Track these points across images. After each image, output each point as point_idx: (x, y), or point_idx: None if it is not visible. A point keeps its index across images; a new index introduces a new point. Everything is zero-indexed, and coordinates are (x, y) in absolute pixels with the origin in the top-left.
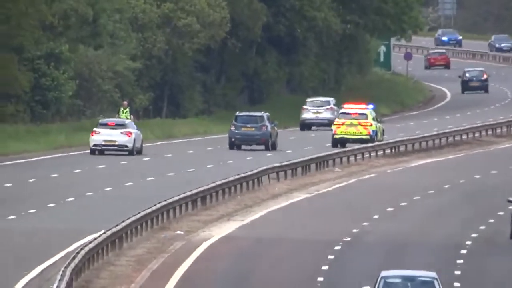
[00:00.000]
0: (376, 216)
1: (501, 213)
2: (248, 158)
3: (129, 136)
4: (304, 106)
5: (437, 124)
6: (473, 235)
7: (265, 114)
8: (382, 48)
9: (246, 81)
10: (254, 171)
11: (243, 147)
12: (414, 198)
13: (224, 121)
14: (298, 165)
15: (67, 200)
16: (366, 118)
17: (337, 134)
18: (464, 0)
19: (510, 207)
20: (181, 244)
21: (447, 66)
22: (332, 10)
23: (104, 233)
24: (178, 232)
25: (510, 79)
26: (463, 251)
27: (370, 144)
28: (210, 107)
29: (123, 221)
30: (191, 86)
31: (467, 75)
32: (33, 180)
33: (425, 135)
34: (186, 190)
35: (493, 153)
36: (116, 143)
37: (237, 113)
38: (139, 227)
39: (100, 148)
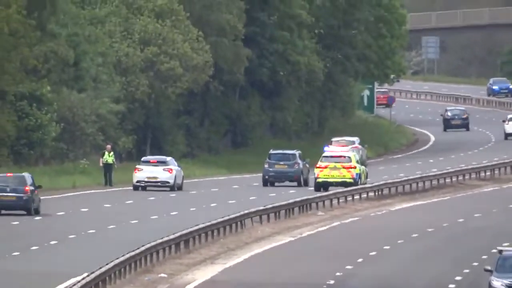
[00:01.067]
0: (359, 260)
1: (485, 256)
2: (231, 201)
3: (170, 173)
4: (330, 146)
5: (421, 168)
6: (457, 278)
7: (297, 152)
8: (366, 92)
9: (230, 125)
10: (237, 214)
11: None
12: (398, 241)
13: (207, 165)
14: (282, 208)
15: (50, 243)
16: (350, 161)
17: (320, 178)
18: (447, 45)
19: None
20: (164, 287)
21: (387, 105)
22: (315, 55)
23: (87, 275)
24: (162, 275)
25: (493, 123)
26: None
27: (353, 188)
28: (193, 150)
29: (106, 264)
30: (174, 129)
31: (449, 113)
32: (16, 222)
33: (409, 178)
34: (169, 234)
35: (477, 196)
36: (158, 179)
37: (271, 151)
38: (122, 270)
39: (143, 184)
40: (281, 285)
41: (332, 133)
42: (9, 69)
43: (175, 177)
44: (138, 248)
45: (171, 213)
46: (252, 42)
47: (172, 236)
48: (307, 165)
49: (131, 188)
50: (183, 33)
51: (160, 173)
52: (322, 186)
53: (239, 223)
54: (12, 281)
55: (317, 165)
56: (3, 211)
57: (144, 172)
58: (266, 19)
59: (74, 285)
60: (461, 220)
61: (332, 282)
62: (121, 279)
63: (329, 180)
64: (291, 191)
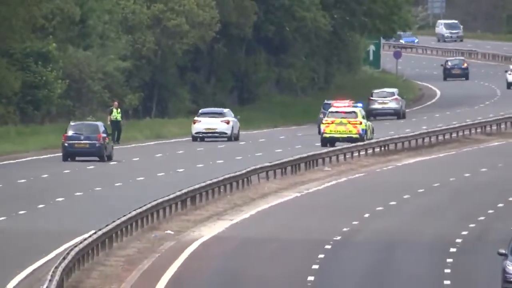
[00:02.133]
0: (366, 215)
1: (491, 211)
2: (238, 158)
3: (227, 124)
4: (371, 98)
5: (427, 123)
6: (463, 233)
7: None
8: (372, 47)
9: (236, 81)
10: (244, 171)
11: None
12: (404, 197)
13: None
14: (288, 164)
15: (57, 200)
16: (356, 116)
17: (326, 133)
18: None
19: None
20: (171, 244)
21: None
22: (321, 10)
23: (94, 233)
24: (168, 232)
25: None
26: (453, 250)
27: (359, 143)
28: (200, 107)
29: (113, 221)
30: (180, 86)
31: (449, 63)
32: (23, 180)
33: (415, 133)
34: (175, 190)
35: (483, 151)
36: (216, 130)
37: (325, 101)
38: (129, 227)
39: (201, 135)
40: (288, 241)
41: (339, 89)
42: (16, 27)
43: (232, 127)
44: (144, 205)
45: (178, 170)
46: None
47: (178, 193)
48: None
49: (142, 145)
50: None
51: (218, 124)
52: (328, 141)
53: (245, 179)
54: (22, 239)
55: (323, 121)
56: (77, 158)
57: (202, 124)
58: None
59: (81, 242)
60: (467, 175)
61: (338, 238)
62: (128, 236)
63: (335, 135)
64: (297, 146)
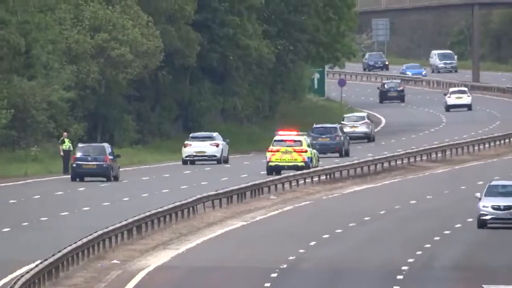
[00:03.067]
0: (312, 243)
1: (437, 238)
2: (183, 187)
3: (217, 147)
4: (342, 122)
5: (372, 150)
6: (410, 260)
7: (338, 126)
8: (316, 75)
9: (181, 110)
10: (189, 200)
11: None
12: (350, 224)
13: (159, 150)
14: (234, 193)
15: (2, 230)
16: (301, 145)
17: (272, 162)
18: (397, 27)
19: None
20: (117, 273)
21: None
22: (265, 39)
23: (40, 263)
24: (115, 261)
25: (441, 104)
26: (400, 277)
27: (305, 171)
28: (145, 136)
29: (59, 251)
30: (125, 116)
31: (386, 86)
32: None
33: (360, 161)
34: (121, 220)
35: (428, 178)
36: (206, 153)
37: (314, 126)
38: (75, 256)
39: (191, 158)
40: (234, 269)
41: (283, 117)
42: None
43: (222, 150)
44: (90, 235)
45: (123, 199)
46: (203, 27)
47: (124, 222)
48: (348, 137)
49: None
50: (133, 19)
51: (207, 148)
52: (274, 169)
53: (191, 208)
54: None
55: (269, 149)
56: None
57: (192, 147)
58: (217, 5)
59: (27, 273)
60: (413, 202)
61: (284, 266)
62: (74, 266)
63: (280, 163)
64: (242, 175)
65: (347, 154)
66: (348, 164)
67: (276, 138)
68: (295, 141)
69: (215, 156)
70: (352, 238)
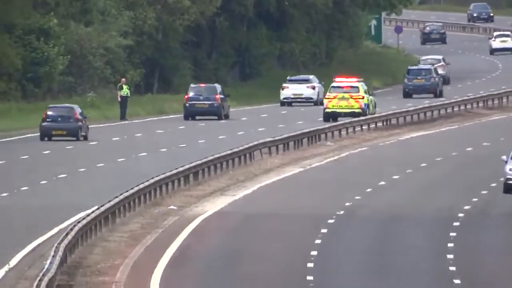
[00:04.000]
0: (368, 190)
1: (493, 184)
2: (240, 133)
3: (313, 90)
4: (419, 65)
5: (428, 97)
6: (466, 207)
7: (433, 67)
8: (373, 22)
9: (237, 57)
10: (246, 146)
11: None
12: (407, 171)
13: None
14: (290, 139)
15: (59, 176)
16: (358, 91)
17: (328, 108)
18: None
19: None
20: (174, 219)
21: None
22: None
23: (97, 209)
24: (171, 207)
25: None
26: (456, 223)
27: (361, 118)
28: (201, 83)
29: (116, 197)
30: (182, 62)
31: (428, 28)
32: (25, 157)
33: (417, 107)
34: (177, 166)
35: (485, 125)
36: (303, 95)
37: (409, 67)
38: (132, 202)
39: (289, 100)
40: (291, 216)
41: (340, 64)
42: (17, 2)
43: (318, 93)
44: (147, 181)
45: (180, 146)
46: None
47: (181, 169)
48: (441, 78)
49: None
50: None
51: (304, 90)
52: (330, 116)
53: (248, 154)
54: (25, 215)
55: (326, 95)
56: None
57: (290, 90)
58: None
59: (84, 218)
60: (469, 149)
61: (341, 212)
62: (131, 212)
63: (337, 110)
64: (299, 122)
65: (441, 94)
66: (404, 110)
67: (333, 84)
68: (352, 87)
69: (311, 98)
70: (409, 185)
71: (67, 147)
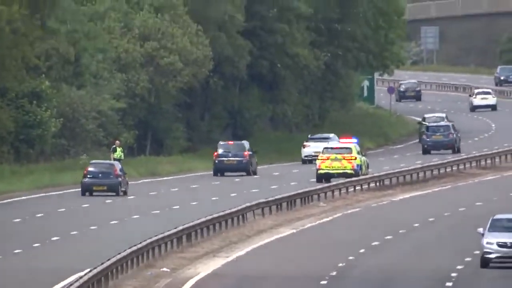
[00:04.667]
0: (362, 250)
1: None
2: (232, 194)
3: None
4: (423, 122)
5: (421, 158)
6: (459, 267)
7: (451, 124)
8: (366, 83)
9: (230, 118)
10: (239, 207)
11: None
12: (400, 231)
13: (209, 158)
14: (283, 200)
15: (52, 239)
16: (350, 152)
17: (321, 169)
18: (446, 34)
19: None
20: (167, 281)
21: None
22: (314, 48)
23: (90, 271)
24: (164, 269)
25: (494, 112)
26: (449, 284)
27: (354, 178)
28: (194, 144)
29: (108, 259)
30: (175, 124)
31: (403, 86)
32: (18, 220)
33: (410, 168)
34: (171, 228)
35: (477, 185)
36: None
37: (428, 124)
38: (124, 265)
39: (310, 158)
40: (284, 278)
41: (333, 125)
42: (10, 66)
43: None
44: (140, 243)
45: (173, 207)
46: (252, 35)
47: (174, 230)
48: (459, 134)
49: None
50: (182, 28)
51: None
52: (323, 177)
53: (240, 216)
54: (17, 278)
55: (319, 157)
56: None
57: (311, 148)
58: (265, 13)
59: (77, 281)
60: (462, 209)
61: (334, 273)
62: (123, 274)
63: (330, 171)
64: (292, 183)
65: (459, 150)
66: (397, 171)
67: (326, 145)
68: (344, 148)
69: None
70: (402, 245)
71: (60, 210)
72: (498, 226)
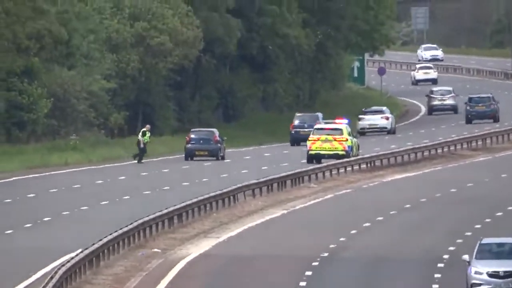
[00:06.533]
0: (353, 232)
1: (478, 226)
2: (223, 175)
3: (387, 120)
4: (431, 95)
5: (412, 139)
6: (451, 248)
7: (491, 95)
8: (356, 64)
9: (221, 99)
10: (230, 188)
11: None
12: (391, 212)
13: None
14: (274, 181)
15: (44, 220)
16: (341, 133)
17: (312, 150)
18: (436, 14)
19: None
20: (158, 262)
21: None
22: (305, 28)
23: (81, 252)
24: (155, 250)
25: (483, 92)
26: (441, 265)
27: (345, 160)
28: (185, 125)
29: (100, 240)
30: (165, 104)
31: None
32: (9, 200)
33: (401, 149)
34: (162, 208)
35: (469, 166)
36: (378, 125)
37: (470, 95)
38: (116, 245)
39: (365, 130)
40: (275, 258)
41: (323, 106)
42: (1, 47)
43: (391, 123)
44: (131, 224)
45: (164, 188)
46: (241, 16)
47: (165, 211)
48: (498, 105)
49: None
50: (173, 8)
51: (379, 120)
52: (314, 158)
53: (231, 197)
54: (8, 258)
55: (309, 137)
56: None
57: (366, 121)
58: None
59: (68, 261)
60: (453, 190)
61: (326, 254)
62: (115, 254)
63: (321, 152)
64: (283, 164)
65: (498, 119)
66: (388, 152)
67: (317, 126)
68: (335, 129)
69: (385, 128)
70: (393, 226)
71: (51, 191)
72: (486, 252)
